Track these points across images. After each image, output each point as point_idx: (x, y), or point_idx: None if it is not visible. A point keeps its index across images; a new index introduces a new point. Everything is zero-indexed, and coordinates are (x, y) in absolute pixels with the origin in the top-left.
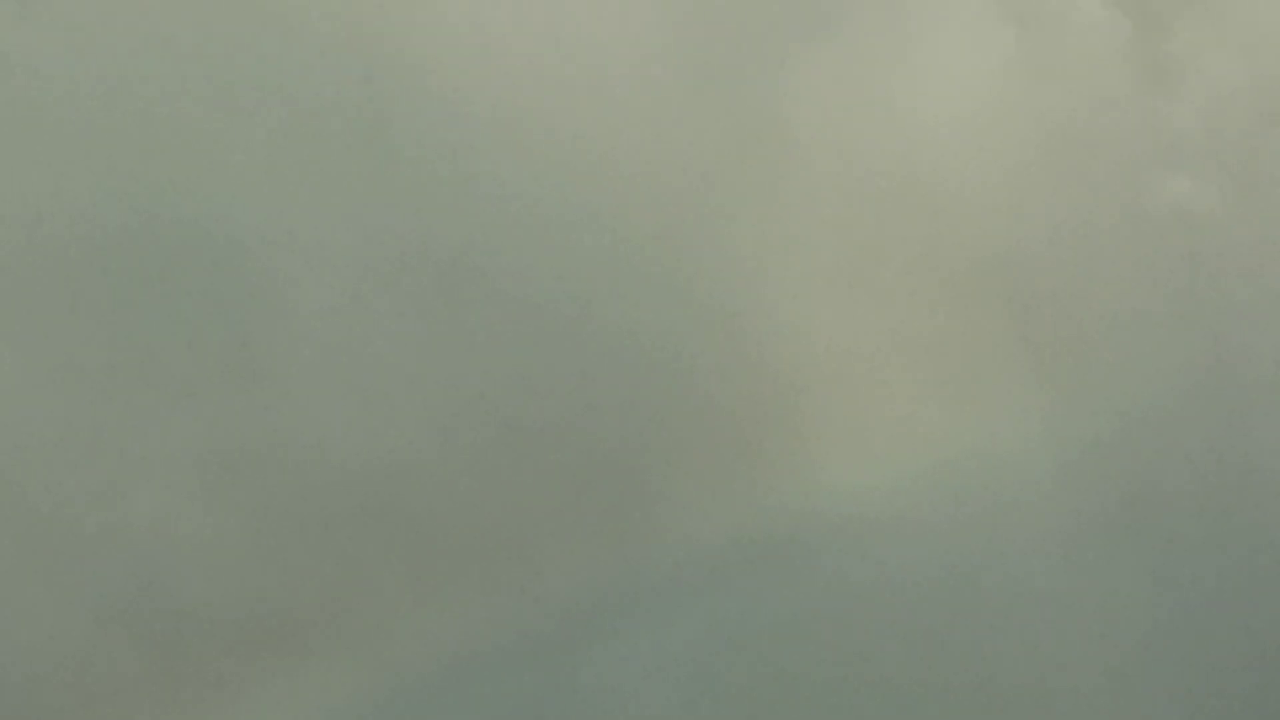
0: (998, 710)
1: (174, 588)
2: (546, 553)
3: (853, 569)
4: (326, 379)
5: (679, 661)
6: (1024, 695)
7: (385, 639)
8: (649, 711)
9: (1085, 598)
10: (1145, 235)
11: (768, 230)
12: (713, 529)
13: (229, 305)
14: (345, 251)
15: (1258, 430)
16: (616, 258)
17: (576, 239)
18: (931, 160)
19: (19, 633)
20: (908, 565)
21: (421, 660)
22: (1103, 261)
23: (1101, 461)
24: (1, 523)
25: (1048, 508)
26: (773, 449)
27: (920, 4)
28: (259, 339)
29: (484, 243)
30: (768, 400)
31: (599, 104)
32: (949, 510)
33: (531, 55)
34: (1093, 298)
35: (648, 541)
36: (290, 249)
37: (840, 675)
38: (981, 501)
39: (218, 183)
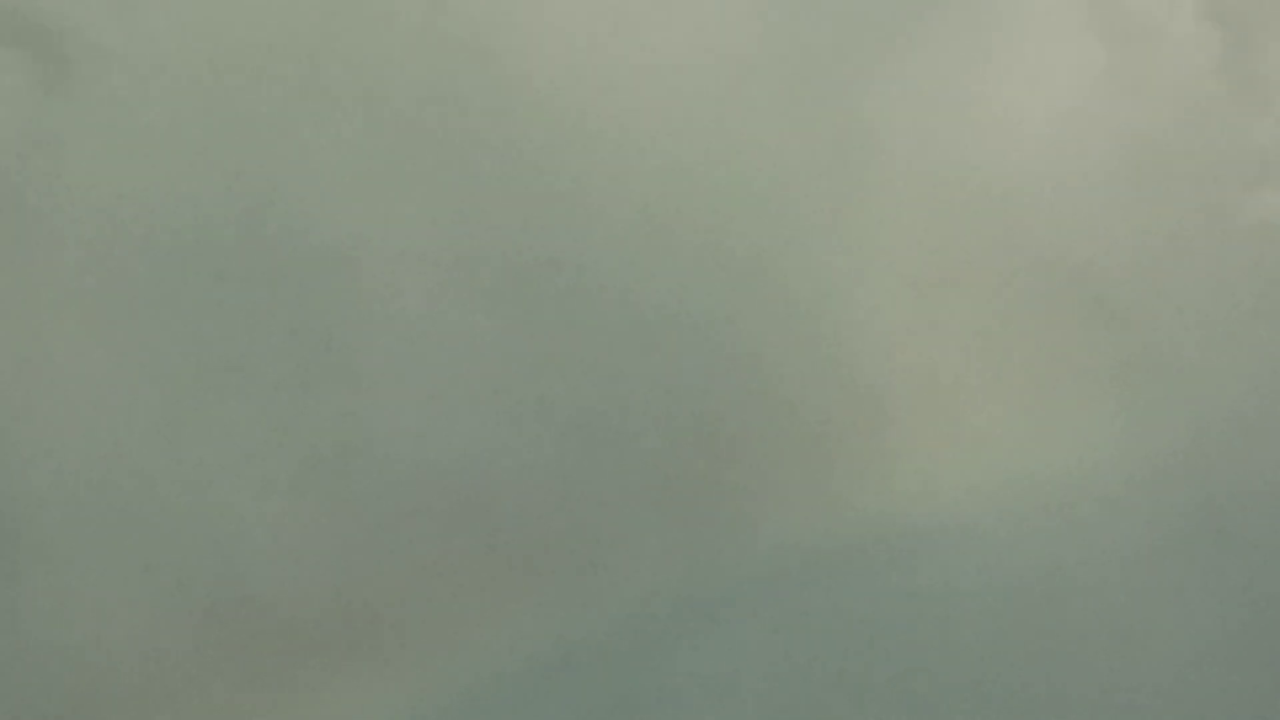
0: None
1: (255, 581)
2: (628, 555)
3: (932, 576)
4: (413, 380)
5: (760, 664)
6: (1101, 704)
7: (464, 640)
8: (731, 714)
9: (1164, 606)
10: (1231, 249)
11: (853, 238)
12: (795, 534)
13: (319, 306)
14: (433, 255)
15: None
16: (703, 264)
17: (663, 245)
18: (1019, 172)
19: (100, 618)
20: (986, 573)
21: (499, 662)
22: (1187, 275)
23: (1181, 473)
24: (91, 510)
25: (1127, 518)
26: (856, 456)
27: (1011, 14)
28: (348, 339)
29: (571, 248)
30: (851, 407)
31: (688, 111)
32: (1028, 519)
33: (621, 61)
34: (1176, 311)
35: (729, 546)
36: (379, 252)
37: (918, 678)
38: (1061, 511)
39: (310, 188)
